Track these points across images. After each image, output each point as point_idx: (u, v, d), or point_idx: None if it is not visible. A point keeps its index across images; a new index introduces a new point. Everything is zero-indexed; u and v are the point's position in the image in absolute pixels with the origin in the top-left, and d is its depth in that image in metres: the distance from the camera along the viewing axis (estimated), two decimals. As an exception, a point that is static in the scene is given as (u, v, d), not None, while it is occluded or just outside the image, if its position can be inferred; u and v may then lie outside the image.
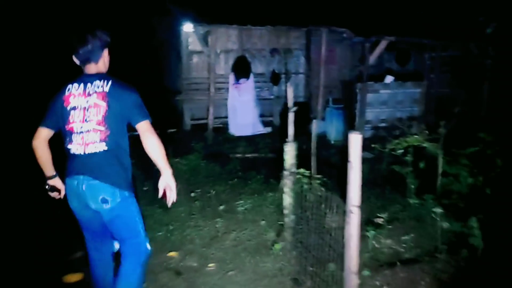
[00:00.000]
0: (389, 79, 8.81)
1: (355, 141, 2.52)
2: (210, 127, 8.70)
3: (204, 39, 9.27)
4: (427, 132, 4.38)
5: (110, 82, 2.55)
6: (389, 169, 5.57)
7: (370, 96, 8.49)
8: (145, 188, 5.63)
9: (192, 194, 5.38)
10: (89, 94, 2.53)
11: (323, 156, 6.64)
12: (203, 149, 7.79)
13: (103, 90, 2.53)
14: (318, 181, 3.81)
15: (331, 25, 8.94)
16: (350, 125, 8.32)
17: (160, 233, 4.24)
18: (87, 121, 2.52)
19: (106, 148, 2.52)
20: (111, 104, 2.51)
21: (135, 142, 2.67)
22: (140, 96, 2.62)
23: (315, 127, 4.39)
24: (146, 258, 2.75)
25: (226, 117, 9.64)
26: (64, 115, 2.55)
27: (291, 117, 3.69)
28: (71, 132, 2.54)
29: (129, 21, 14.18)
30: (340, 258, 2.79)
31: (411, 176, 4.44)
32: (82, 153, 2.52)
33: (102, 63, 2.64)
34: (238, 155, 7.53)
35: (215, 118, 9.04)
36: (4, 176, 5.68)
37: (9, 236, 4.15)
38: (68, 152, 2.59)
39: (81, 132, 2.52)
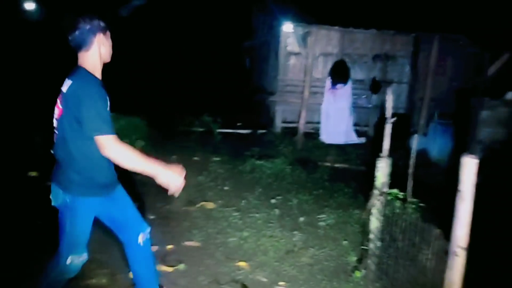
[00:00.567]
0: (511, 95, 7.67)
1: (469, 166, 2.02)
2: (301, 132, 8.36)
3: (303, 40, 8.97)
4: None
5: (71, 82, 2.24)
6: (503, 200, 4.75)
7: (484, 113, 7.45)
8: (226, 188, 5.49)
9: (272, 201, 5.10)
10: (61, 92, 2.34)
11: (421, 176, 5.95)
12: (291, 154, 7.51)
13: (63, 90, 2.28)
14: (413, 206, 3.29)
15: (444, 31, 8.06)
16: (457, 144, 7.40)
17: (233, 239, 4.02)
18: (55, 119, 2.38)
19: (53, 151, 2.37)
20: (65, 108, 2.25)
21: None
22: (103, 100, 2.24)
23: (416, 142, 3.81)
24: (60, 273, 2.45)
25: (319, 123, 9.23)
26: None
27: (388, 129, 3.21)
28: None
29: (230, 19, 14.44)
30: (434, 305, 2.29)
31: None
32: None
33: (95, 51, 2.31)
34: (327, 164, 7.11)
35: (307, 122, 8.68)
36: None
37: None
38: None
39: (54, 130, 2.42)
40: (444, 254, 2.18)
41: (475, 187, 2.12)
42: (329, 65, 9.70)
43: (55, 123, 2.37)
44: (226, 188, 5.49)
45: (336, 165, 7.18)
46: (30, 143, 6.58)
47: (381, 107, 9.76)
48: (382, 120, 9.33)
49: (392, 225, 3.06)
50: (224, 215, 4.54)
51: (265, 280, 3.39)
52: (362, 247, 3.54)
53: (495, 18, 9.38)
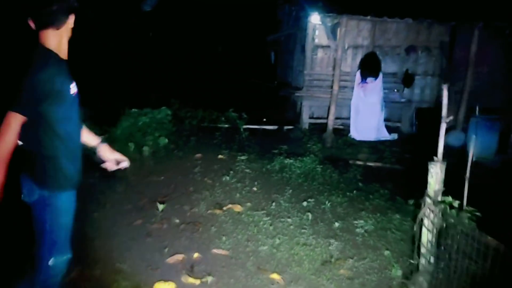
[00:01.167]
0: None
1: None
2: (330, 128, 7.97)
3: (332, 32, 8.54)
4: None
5: (31, 67, 2.03)
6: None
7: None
8: (254, 189, 5.18)
9: (304, 204, 4.76)
10: None
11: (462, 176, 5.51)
12: (320, 151, 7.15)
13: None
14: (472, 217, 2.90)
15: (486, 19, 7.50)
16: (502, 141, 6.88)
17: (264, 247, 3.70)
18: None
19: (21, 140, 2.10)
20: None
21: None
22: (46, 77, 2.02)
23: (473, 142, 3.32)
24: (45, 278, 2.21)
25: (348, 118, 8.82)
26: None
27: (442, 128, 2.83)
28: None
29: (255, 12, 14.07)
30: None
31: None
32: None
33: (64, 31, 2.15)
34: (359, 163, 6.72)
35: (336, 118, 8.27)
36: None
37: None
38: None
39: None
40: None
41: None
42: (358, 58, 9.25)
43: None
44: (254, 189, 5.18)
45: (369, 164, 6.79)
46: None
47: (416, 102, 9.27)
48: (418, 115, 8.83)
49: (448, 238, 2.69)
50: (253, 220, 4.24)
51: (301, 296, 3.07)
52: (411, 261, 3.17)
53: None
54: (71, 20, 2.16)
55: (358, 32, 9.12)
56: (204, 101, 9.56)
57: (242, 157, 6.13)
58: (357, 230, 4.15)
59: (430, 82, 9.36)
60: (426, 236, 2.80)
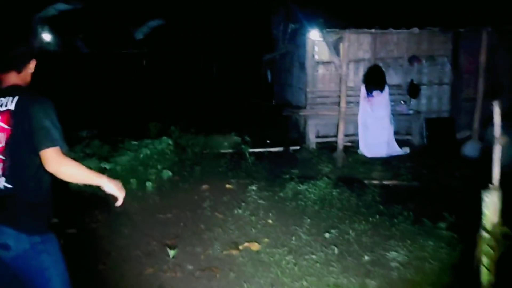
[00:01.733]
0: None
1: None
2: (340, 147, 7.61)
3: (334, 48, 8.24)
4: None
5: (17, 98, 2.07)
6: None
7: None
8: (269, 221, 4.80)
9: (326, 235, 4.38)
10: None
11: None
12: (333, 173, 6.78)
13: (7, 108, 2.06)
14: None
15: (491, 23, 7.25)
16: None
17: (292, 293, 3.32)
18: None
19: (6, 184, 2.04)
20: (15, 127, 2.05)
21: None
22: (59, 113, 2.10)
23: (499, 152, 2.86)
24: None
25: (354, 135, 8.47)
26: None
27: (497, 151, 2.47)
28: None
29: (249, 32, 13.89)
30: None
31: None
32: None
33: (26, 75, 2.23)
34: (375, 182, 6.34)
35: (344, 136, 7.90)
36: None
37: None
38: None
39: None
40: None
41: None
42: (360, 72, 8.96)
43: None
44: (269, 221, 4.80)
45: (385, 182, 6.42)
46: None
47: (423, 112, 8.97)
48: (428, 126, 8.46)
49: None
50: (274, 259, 3.85)
51: None
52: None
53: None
54: (32, 65, 2.23)
55: (358, 46, 8.86)
56: (205, 125, 9.21)
57: (252, 186, 5.75)
58: (391, 263, 3.77)
59: (437, 91, 9.07)
60: (487, 277, 2.42)
